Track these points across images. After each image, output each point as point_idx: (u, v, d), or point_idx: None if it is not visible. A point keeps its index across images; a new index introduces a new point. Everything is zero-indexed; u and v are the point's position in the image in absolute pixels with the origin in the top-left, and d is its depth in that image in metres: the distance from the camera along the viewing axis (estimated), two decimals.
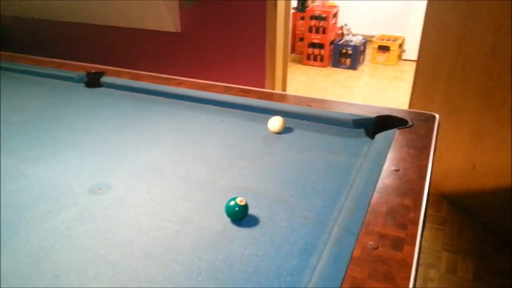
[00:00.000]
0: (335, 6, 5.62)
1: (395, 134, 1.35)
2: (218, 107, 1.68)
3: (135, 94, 1.83)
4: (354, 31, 5.73)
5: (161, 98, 1.78)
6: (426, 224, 2.46)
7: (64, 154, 1.35)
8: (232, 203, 1.01)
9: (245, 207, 1.01)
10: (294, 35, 5.81)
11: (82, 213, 1.06)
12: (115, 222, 1.02)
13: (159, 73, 1.99)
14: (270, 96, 1.72)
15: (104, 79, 1.91)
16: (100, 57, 3.89)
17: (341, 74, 5.25)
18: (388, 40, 5.56)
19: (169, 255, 0.91)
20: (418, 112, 1.51)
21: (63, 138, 1.45)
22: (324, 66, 5.49)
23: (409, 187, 1.08)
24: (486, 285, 2.05)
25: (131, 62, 3.76)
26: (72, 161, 1.31)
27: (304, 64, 5.58)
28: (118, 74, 1.97)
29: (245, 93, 1.73)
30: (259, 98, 1.68)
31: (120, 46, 3.81)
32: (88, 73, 1.95)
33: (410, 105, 2.93)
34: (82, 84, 1.93)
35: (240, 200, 1.01)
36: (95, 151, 1.37)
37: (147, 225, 1.01)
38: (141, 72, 2.01)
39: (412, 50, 5.38)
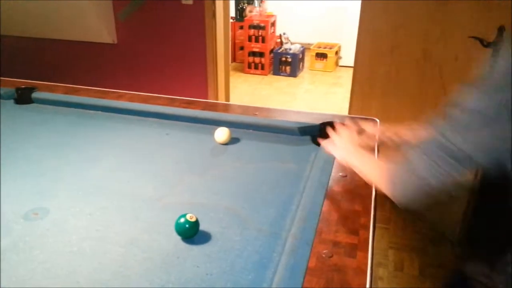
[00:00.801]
0: (272, 16, 5.72)
1: None
2: (161, 120, 1.63)
3: (71, 109, 1.73)
4: (292, 39, 5.85)
5: (99, 113, 1.69)
6: None
7: None
8: (182, 220, 0.97)
9: (196, 224, 0.98)
10: (234, 44, 5.83)
11: (17, 242, 0.97)
12: (55, 250, 0.94)
13: (97, 87, 1.89)
14: (214, 107, 1.69)
15: (36, 94, 1.79)
16: (31, 72, 3.64)
17: (282, 82, 5.34)
18: (325, 47, 5.74)
19: (117, 281, 0.86)
20: (360, 118, 1.55)
21: None
22: (265, 74, 5.55)
23: (357, 192, 1.10)
24: (432, 279, 2.15)
25: (66, 76, 3.56)
26: (3, 184, 1.19)
27: (246, 73, 5.61)
28: (51, 89, 1.85)
29: (189, 104, 1.70)
30: (204, 109, 1.65)
31: (53, 60, 3.60)
32: (18, 89, 1.81)
33: (350, 111, 3.02)
34: (11, 101, 1.79)
35: (191, 217, 0.97)
36: (28, 172, 1.26)
37: (91, 251, 0.94)
38: (77, 86, 1.91)
39: (348, 57, 5.58)
